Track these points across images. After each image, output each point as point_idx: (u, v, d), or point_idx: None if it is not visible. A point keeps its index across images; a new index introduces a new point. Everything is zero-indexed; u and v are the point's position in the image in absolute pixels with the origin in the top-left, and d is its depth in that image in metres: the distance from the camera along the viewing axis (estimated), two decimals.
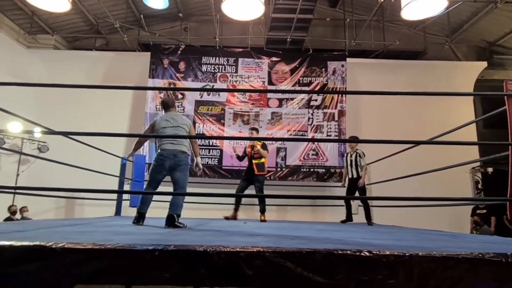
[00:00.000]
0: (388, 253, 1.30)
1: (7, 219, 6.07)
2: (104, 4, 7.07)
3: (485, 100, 8.50)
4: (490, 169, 7.66)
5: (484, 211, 6.36)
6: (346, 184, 5.21)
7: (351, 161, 5.06)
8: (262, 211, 4.81)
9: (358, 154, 5.04)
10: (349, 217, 5.19)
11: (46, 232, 2.03)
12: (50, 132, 3.71)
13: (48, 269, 1.23)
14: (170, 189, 3.42)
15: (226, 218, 4.83)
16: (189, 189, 6.80)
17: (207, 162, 7.56)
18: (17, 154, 7.14)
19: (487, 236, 4.49)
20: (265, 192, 7.12)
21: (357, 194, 5.04)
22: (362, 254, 1.29)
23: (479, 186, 7.70)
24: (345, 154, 5.34)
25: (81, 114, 7.54)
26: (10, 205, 6.35)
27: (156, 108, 7.72)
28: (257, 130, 5.22)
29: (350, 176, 5.06)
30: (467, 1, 6.61)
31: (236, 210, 4.89)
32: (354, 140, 5.25)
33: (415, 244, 1.88)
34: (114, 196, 5.59)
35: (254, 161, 4.90)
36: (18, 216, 6.32)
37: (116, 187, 5.55)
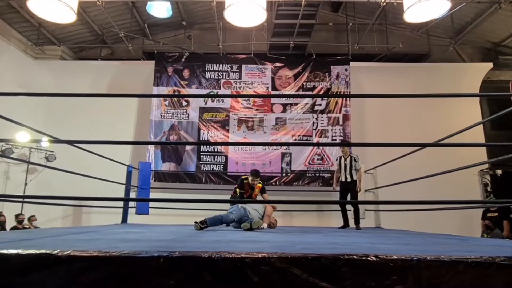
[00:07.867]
0: (395, 257, 1.28)
1: (13, 228, 6.11)
2: (109, 14, 7.19)
3: (492, 101, 8.40)
4: (499, 171, 7.54)
5: (496, 214, 6.23)
6: (337, 188, 5.16)
7: (345, 165, 5.04)
8: None
9: (353, 158, 5.03)
10: (346, 223, 5.09)
11: (52, 240, 2.04)
12: (57, 141, 3.75)
13: (55, 277, 1.24)
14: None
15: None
16: (194, 196, 6.88)
17: (212, 168, 7.58)
18: (25, 163, 7.23)
19: (498, 240, 4.40)
20: (270, 197, 7.09)
21: (349, 198, 5.00)
22: (369, 258, 1.27)
23: (488, 188, 7.58)
24: (338, 158, 5.30)
25: (87, 122, 7.64)
26: (18, 214, 6.41)
27: (161, 115, 7.78)
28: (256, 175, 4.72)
29: (343, 179, 5.03)
30: (470, 2, 6.58)
31: None
32: (354, 143, 5.19)
33: (423, 248, 1.85)
34: (121, 203, 5.60)
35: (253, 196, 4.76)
36: (26, 224, 6.37)
37: (122, 195, 5.57)
